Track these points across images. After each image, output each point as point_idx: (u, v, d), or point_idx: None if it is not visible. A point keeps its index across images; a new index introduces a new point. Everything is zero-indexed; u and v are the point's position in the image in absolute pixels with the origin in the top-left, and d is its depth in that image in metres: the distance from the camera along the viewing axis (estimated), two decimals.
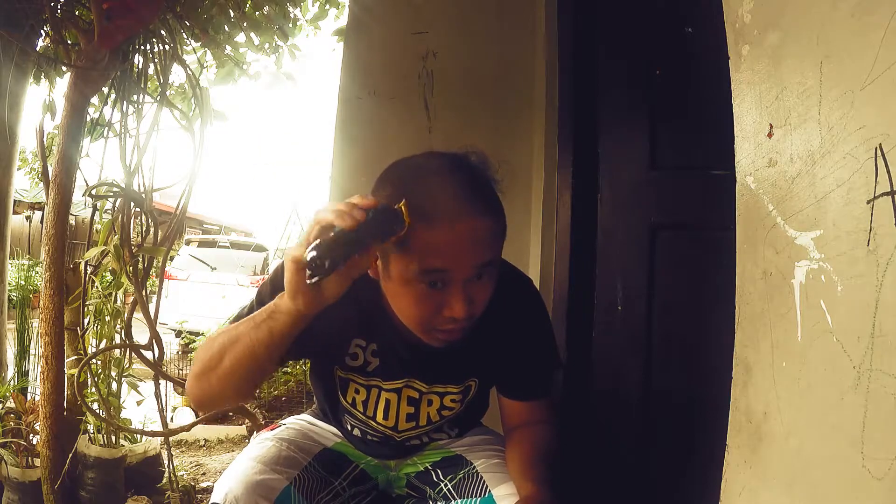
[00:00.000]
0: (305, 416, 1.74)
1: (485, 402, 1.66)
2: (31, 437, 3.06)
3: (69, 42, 3.04)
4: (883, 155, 0.89)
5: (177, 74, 3.22)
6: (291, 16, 3.86)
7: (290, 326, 1.19)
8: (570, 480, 2.11)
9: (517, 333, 1.49)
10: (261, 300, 1.38)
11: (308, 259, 1.09)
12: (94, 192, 2.85)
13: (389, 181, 1.26)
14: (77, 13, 3.04)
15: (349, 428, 1.62)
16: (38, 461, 2.93)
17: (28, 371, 3.76)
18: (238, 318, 1.41)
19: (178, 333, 8.09)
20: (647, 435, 2.08)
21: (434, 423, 1.56)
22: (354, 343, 1.48)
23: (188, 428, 3.02)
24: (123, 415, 3.33)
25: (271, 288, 1.38)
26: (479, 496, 1.45)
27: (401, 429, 1.55)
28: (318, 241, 1.09)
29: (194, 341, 5.99)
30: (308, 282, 1.10)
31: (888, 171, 0.88)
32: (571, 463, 2.22)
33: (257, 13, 3.58)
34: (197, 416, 4.55)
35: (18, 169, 4.86)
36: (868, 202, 0.91)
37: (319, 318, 1.26)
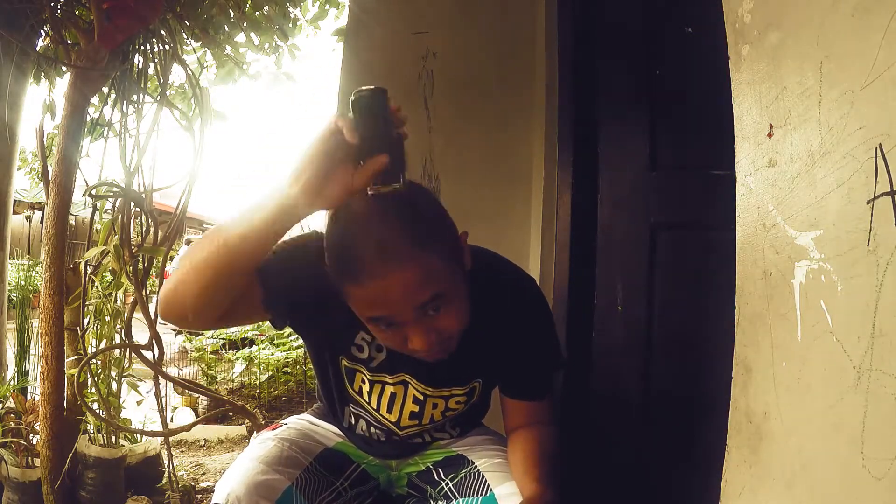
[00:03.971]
0: (306, 416, 1.75)
1: (487, 402, 1.68)
2: (31, 437, 3.06)
3: (69, 42, 3.04)
4: (883, 155, 0.90)
5: (177, 74, 3.23)
6: (291, 16, 3.86)
7: (290, 222, 1.19)
8: (570, 480, 2.12)
9: (521, 335, 1.50)
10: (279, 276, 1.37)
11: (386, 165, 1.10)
12: (94, 192, 2.86)
13: (326, 244, 1.25)
14: (77, 13, 3.05)
15: (353, 421, 1.63)
16: (38, 461, 2.93)
17: (28, 371, 3.77)
18: None
19: (178, 333, 8.09)
20: (647, 435, 2.08)
21: (437, 422, 1.57)
22: (360, 336, 1.49)
23: (188, 428, 3.02)
24: (123, 415, 3.33)
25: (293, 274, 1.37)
26: (481, 495, 1.46)
27: (403, 425, 1.56)
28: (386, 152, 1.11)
29: (192, 341, 5.99)
30: (374, 190, 1.12)
31: (888, 171, 0.89)
32: (571, 463, 2.23)
33: (257, 13, 3.58)
34: (197, 416, 4.56)
35: (18, 169, 4.86)
36: (868, 202, 0.91)
37: (326, 308, 1.35)
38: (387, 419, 1.55)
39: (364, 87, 1.10)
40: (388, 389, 1.53)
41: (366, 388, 1.54)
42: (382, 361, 1.50)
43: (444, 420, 1.58)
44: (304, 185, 1.10)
